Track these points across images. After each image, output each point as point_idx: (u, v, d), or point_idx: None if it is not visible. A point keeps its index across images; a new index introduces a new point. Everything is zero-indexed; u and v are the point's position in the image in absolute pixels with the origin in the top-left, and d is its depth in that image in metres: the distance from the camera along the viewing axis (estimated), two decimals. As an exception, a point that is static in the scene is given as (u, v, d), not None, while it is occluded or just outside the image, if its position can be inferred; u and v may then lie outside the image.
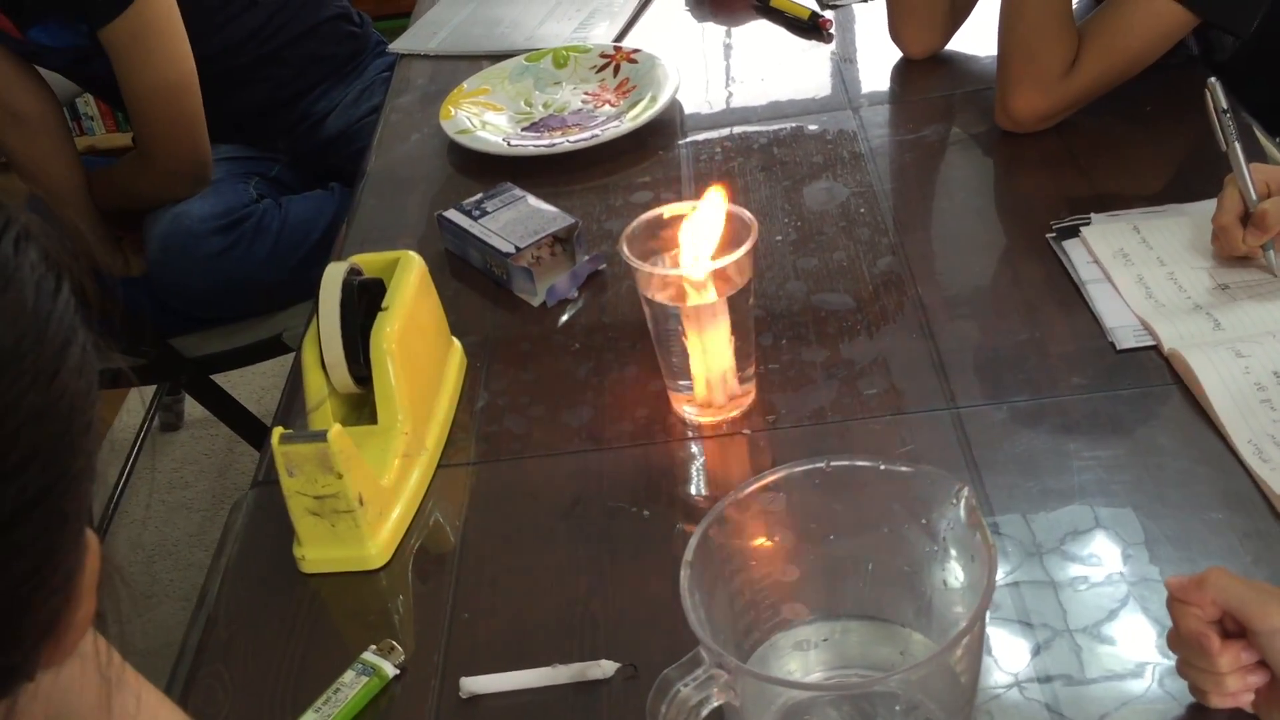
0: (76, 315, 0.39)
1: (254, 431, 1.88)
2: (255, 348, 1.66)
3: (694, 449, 0.92)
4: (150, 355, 1.61)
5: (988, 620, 0.72)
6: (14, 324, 0.36)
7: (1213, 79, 0.98)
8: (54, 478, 0.37)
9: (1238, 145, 0.94)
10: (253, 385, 2.29)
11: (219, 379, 1.81)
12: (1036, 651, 0.71)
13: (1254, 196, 0.93)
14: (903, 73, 1.37)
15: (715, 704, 0.58)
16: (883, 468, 0.65)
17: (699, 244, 0.86)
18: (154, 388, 2.09)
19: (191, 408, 2.28)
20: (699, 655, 0.58)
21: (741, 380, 0.92)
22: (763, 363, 0.96)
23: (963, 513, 0.62)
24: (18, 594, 0.37)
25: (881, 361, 0.96)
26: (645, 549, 0.84)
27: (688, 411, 0.93)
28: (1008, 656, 0.71)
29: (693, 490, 0.89)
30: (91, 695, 0.49)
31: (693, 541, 0.61)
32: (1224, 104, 0.96)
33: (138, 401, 2.25)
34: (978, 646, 0.60)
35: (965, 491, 0.62)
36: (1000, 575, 0.76)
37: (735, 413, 0.93)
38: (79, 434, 0.38)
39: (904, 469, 0.65)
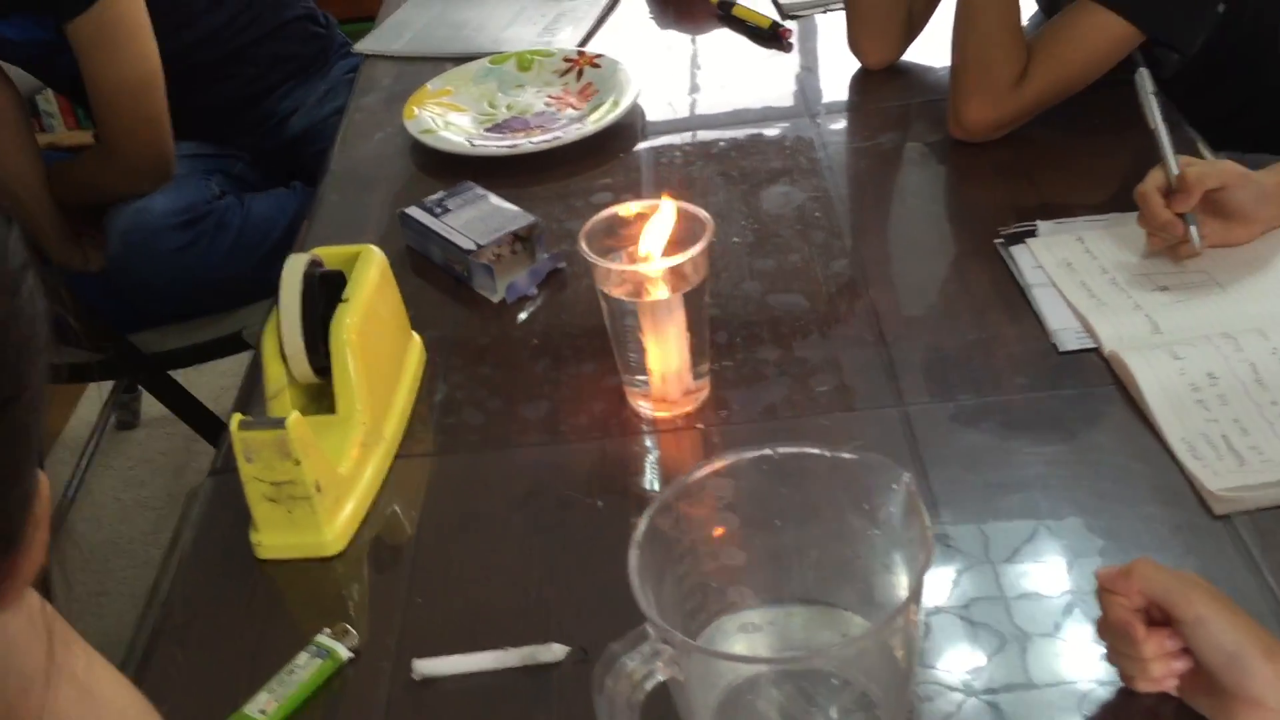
0: (27, 251, 0.41)
1: (211, 429, 1.88)
2: (215, 344, 1.67)
3: (648, 443, 0.94)
4: (108, 351, 1.61)
5: (929, 621, 0.74)
6: None
7: (1142, 68, 1.05)
8: (18, 389, 0.40)
9: (1164, 125, 1.01)
10: (211, 385, 2.28)
11: (177, 377, 1.80)
12: (980, 650, 0.73)
13: (1175, 170, 0.99)
14: (861, 82, 1.39)
15: (660, 679, 0.59)
16: (828, 455, 0.67)
17: (653, 243, 0.88)
18: (110, 384, 2.08)
19: (148, 407, 2.27)
20: (645, 631, 0.59)
21: (696, 376, 0.94)
22: (717, 360, 0.98)
23: (903, 499, 0.64)
24: None
25: (833, 360, 0.98)
26: (598, 538, 0.85)
27: (643, 406, 0.95)
28: (953, 657, 0.73)
29: (646, 483, 0.91)
30: (39, 655, 0.49)
31: (642, 524, 0.63)
32: (1152, 88, 1.03)
33: (93, 399, 2.23)
34: (914, 627, 0.62)
35: (906, 478, 0.64)
36: (947, 571, 0.78)
37: (689, 408, 0.95)
38: (36, 355, 0.41)
39: (848, 457, 0.66)
